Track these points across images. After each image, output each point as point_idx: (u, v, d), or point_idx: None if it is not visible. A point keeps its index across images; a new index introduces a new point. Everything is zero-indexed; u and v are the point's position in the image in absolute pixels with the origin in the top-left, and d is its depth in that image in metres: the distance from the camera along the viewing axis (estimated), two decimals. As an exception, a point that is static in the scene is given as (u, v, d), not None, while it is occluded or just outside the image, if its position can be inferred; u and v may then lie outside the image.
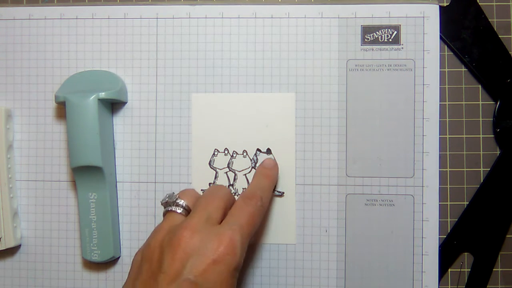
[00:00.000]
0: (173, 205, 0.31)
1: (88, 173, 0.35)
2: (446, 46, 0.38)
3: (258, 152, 0.37)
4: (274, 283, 0.37)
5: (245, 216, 0.30)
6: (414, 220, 0.37)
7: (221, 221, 0.30)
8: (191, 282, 0.26)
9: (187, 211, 0.31)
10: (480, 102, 0.37)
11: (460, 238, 0.37)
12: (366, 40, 0.37)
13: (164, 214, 0.32)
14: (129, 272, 0.30)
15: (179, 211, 0.31)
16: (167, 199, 0.32)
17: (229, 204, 0.32)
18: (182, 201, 0.31)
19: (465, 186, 0.37)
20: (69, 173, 0.38)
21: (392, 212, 0.37)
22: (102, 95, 0.35)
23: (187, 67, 0.38)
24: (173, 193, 0.33)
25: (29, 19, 0.38)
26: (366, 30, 0.37)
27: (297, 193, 0.37)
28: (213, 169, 0.37)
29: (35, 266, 0.38)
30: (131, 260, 0.31)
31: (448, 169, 0.37)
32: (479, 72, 0.37)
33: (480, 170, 0.37)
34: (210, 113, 0.37)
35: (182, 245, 0.27)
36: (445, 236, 0.37)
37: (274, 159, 0.37)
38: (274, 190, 0.37)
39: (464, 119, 0.37)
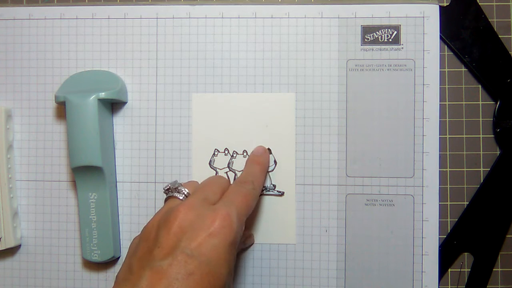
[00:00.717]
0: (175, 192, 0.31)
1: (88, 173, 0.35)
2: (446, 46, 0.38)
3: (258, 152, 0.37)
4: (274, 283, 0.37)
5: (239, 197, 0.30)
6: (414, 220, 0.37)
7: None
8: (186, 255, 0.26)
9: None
10: (480, 102, 0.37)
11: (460, 238, 0.37)
12: (366, 40, 0.37)
13: (166, 201, 0.32)
14: (126, 254, 0.30)
15: (180, 197, 0.31)
16: (169, 185, 0.32)
17: (226, 188, 0.32)
18: (185, 189, 0.31)
19: (465, 186, 0.37)
20: (69, 173, 0.38)
21: (392, 212, 0.37)
22: (102, 95, 0.35)
23: (187, 67, 0.38)
24: (176, 180, 0.33)
25: (29, 19, 0.38)
26: (366, 30, 0.37)
27: (297, 193, 0.37)
28: (213, 169, 0.37)
29: (35, 266, 0.38)
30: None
31: (448, 169, 0.37)
32: (479, 72, 0.37)
33: (480, 170, 0.37)
34: (210, 113, 0.37)
35: (177, 220, 0.27)
36: (445, 236, 0.37)
37: (275, 159, 0.37)
38: (274, 190, 0.37)
39: (464, 119, 0.37)
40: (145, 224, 0.30)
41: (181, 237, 0.27)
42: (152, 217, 0.31)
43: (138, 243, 0.29)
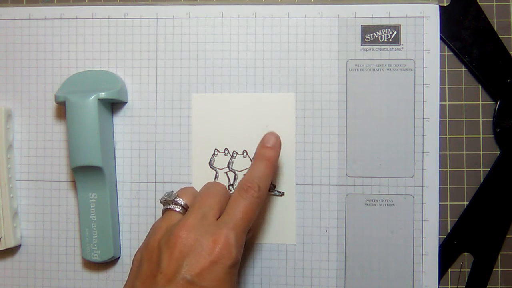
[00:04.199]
0: (172, 204, 0.32)
1: (88, 173, 0.35)
2: (446, 46, 0.38)
3: (258, 152, 0.37)
4: (274, 283, 0.37)
5: (241, 212, 0.30)
6: (414, 220, 0.37)
7: (218, 217, 0.30)
8: (188, 281, 0.27)
9: (185, 209, 0.31)
10: (480, 102, 0.37)
11: (460, 238, 0.37)
12: (366, 40, 0.37)
13: (163, 212, 0.32)
14: (129, 271, 0.30)
15: (177, 209, 0.31)
16: (166, 197, 0.32)
17: (225, 200, 0.32)
18: (181, 199, 0.32)
19: (465, 186, 0.37)
20: (69, 173, 0.38)
21: (392, 212, 0.37)
22: (102, 95, 0.35)
23: (187, 67, 0.38)
24: (172, 191, 0.33)
25: (29, 19, 0.38)
26: (366, 30, 0.37)
27: (297, 193, 0.37)
28: (213, 169, 0.37)
29: (35, 266, 0.38)
30: (131, 260, 0.31)
31: (448, 169, 0.37)
32: (479, 72, 0.37)
33: (480, 170, 0.37)
34: (210, 113, 0.37)
35: (178, 245, 0.28)
36: (445, 236, 0.37)
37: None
38: (274, 190, 0.37)
39: (464, 119, 0.37)
40: (146, 239, 0.30)
41: (182, 262, 0.27)
42: (150, 229, 0.31)
43: (141, 261, 0.29)
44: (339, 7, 0.37)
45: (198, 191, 0.33)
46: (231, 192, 0.37)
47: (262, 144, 0.34)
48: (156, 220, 0.33)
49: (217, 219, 0.30)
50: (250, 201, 0.31)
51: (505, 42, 0.37)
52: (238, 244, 0.29)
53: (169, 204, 0.32)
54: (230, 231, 0.29)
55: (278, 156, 0.34)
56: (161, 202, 0.33)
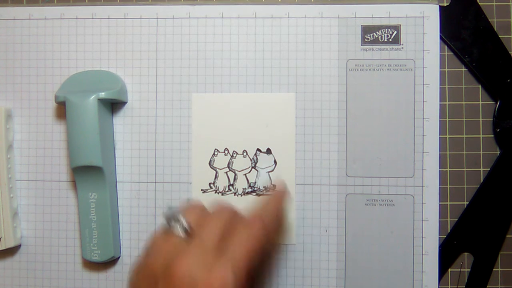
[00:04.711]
0: (176, 222, 0.29)
1: (88, 173, 0.35)
2: (446, 46, 0.38)
3: (258, 152, 0.37)
4: (274, 283, 0.37)
5: (243, 250, 0.28)
6: (414, 220, 0.37)
7: (222, 244, 0.29)
8: None
9: (188, 232, 0.29)
10: (480, 102, 0.37)
11: (460, 238, 0.37)
12: (366, 40, 0.37)
13: (165, 227, 0.30)
14: None
15: (180, 232, 0.29)
16: (169, 215, 0.30)
17: (231, 226, 0.30)
18: (185, 223, 0.29)
19: (465, 186, 0.37)
20: (69, 173, 0.38)
21: (392, 212, 0.37)
22: (102, 95, 0.35)
23: (187, 67, 0.38)
24: (176, 209, 0.30)
25: (29, 19, 0.38)
26: (366, 30, 0.37)
27: (297, 193, 0.37)
28: (213, 169, 0.37)
29: (35, 266, 0.38)
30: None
31: (448, 169, 0.37)
32: (479, 72, 0.37)
33: (480, 170, 0.37)
34: (210, 113, 0.38)
35: (175, 281, 0.27)
36: (445, 236, 0.37)
37: (275, 159, 0.37)
38: (274, 189, 0.37)
39: (464, 119, 0.37)
40: (143, 259, 0.29)
41: None
42: (152, 240, 0.29)
43: (137, 283, 0.28)
44: (339, 7, 0.37)
45: (206, 209, 0.31)
46: (231, 191, 0.37)
47: (276, 195, 0.34)
48: (156, 221, 0.32)
49: (221, 245, 0.28)
50: (256, 235, 0.29)
51: (505, 42, 0.37)
52: (236, 284, 0.27)
53: (172, 222, 0.30)
54: (228, 270, 0.27)
55: (284, 204, 0.35)
56: (164, 217, 0.31)
